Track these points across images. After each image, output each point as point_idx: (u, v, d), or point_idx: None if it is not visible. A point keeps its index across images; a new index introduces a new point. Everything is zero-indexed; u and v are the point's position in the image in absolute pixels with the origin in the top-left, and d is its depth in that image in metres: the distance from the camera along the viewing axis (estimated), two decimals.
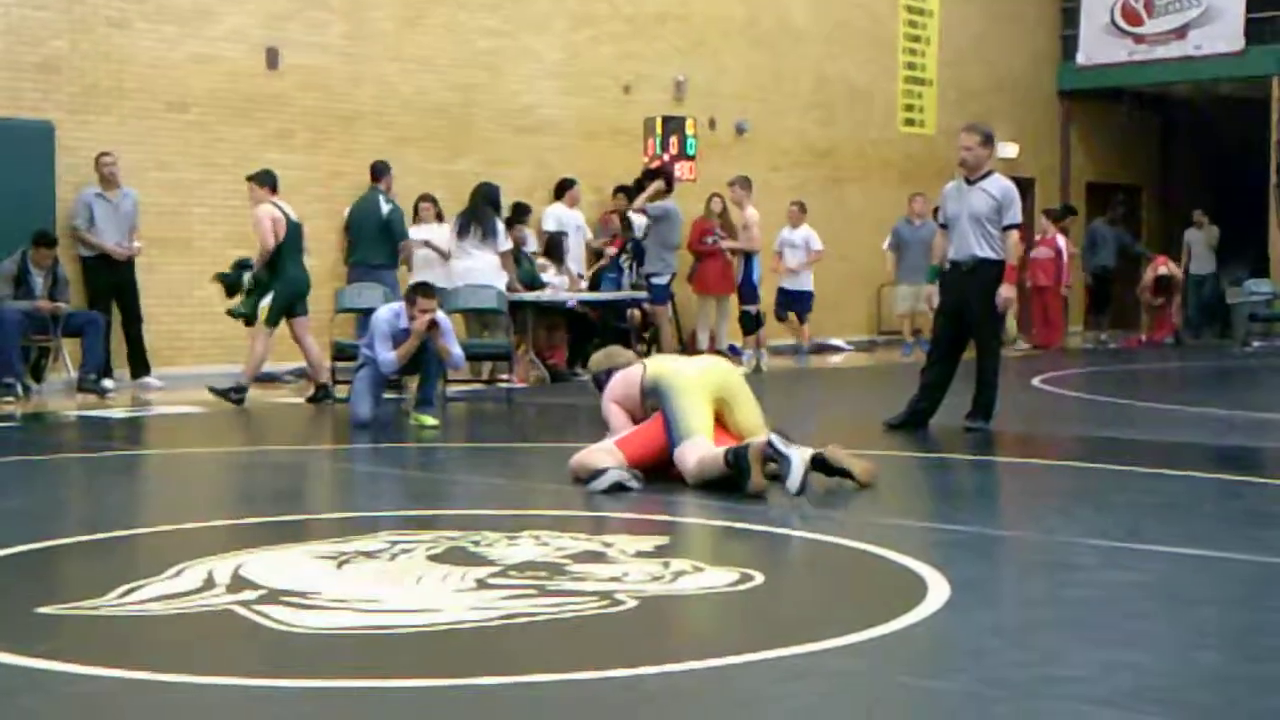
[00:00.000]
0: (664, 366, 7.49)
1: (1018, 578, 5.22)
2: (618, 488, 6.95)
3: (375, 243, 13.89)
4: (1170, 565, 5.40)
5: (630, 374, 7.56)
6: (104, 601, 4.69)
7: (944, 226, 9.94)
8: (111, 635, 4.37)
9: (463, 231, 13.40)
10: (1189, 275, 21.13)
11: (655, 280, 14.99)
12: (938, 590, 4.83)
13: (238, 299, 11.88)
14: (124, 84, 13.31)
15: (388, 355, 10.08)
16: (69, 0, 12.98)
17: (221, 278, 11.97)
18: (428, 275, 13.13)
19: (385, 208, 13.99)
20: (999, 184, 9.64)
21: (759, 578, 5.05)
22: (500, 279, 13.25)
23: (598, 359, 8.05)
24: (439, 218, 14.34)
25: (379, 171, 14.31)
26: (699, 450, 7.04)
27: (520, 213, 14.93)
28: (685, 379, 7.27)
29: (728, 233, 15.96)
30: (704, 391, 7.25)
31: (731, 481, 6.87)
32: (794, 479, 6.67)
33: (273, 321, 11.85)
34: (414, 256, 14.06)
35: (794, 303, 17.04)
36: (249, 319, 11.85)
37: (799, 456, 6.74)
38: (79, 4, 13.04)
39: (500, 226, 13.53)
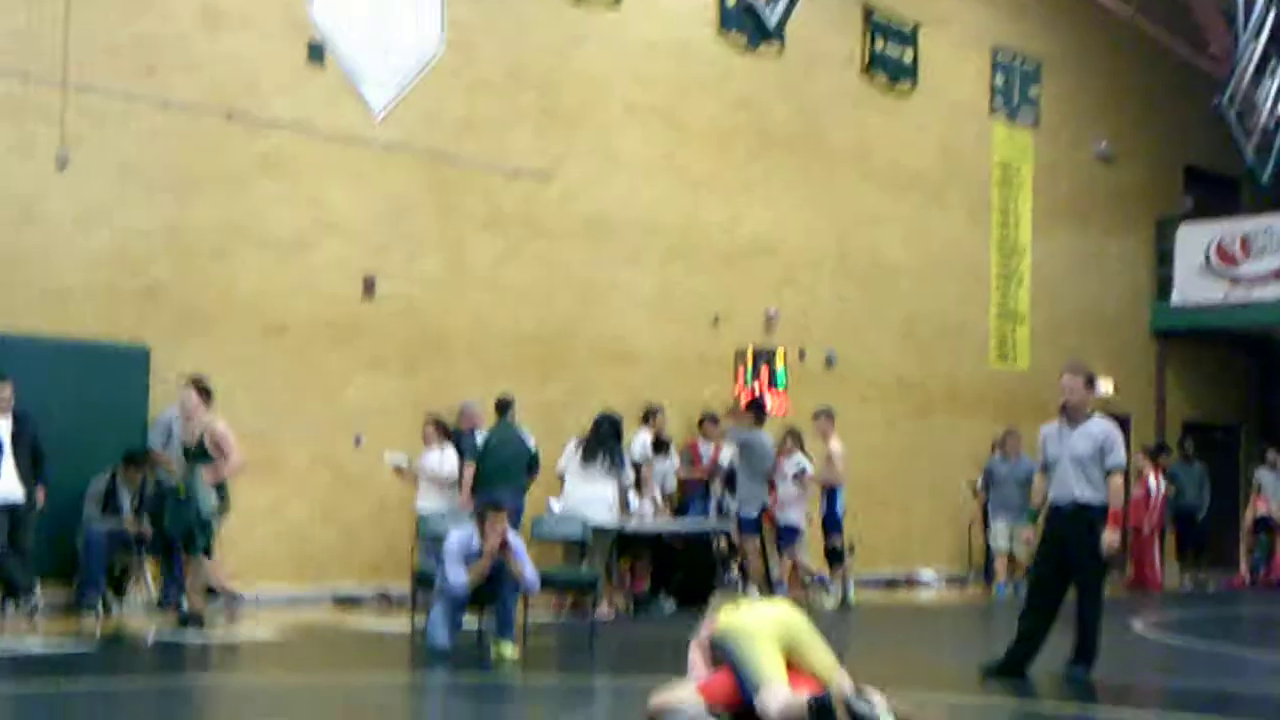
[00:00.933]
0: (732, 617, 7.29)
1: None
2: None
3: (520, 472, 13.79)
4: None
5: (708, 624, 7.44)
6: None
7: (1044, 469, 9.72)
8: None
9: (588, 458, 13.43)
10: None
11: (743, 513, 14.75)
12: None
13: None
14: (222, 310, 13.45)
15: (459, 577, 9.92)
16: (171, 229, 13.21)
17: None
18: (432, 500, 13.50)
19: (531, 440, 14.02)
20: (1101, 426, 9.45)
21: None
22: (614, 510, 13.35)
23: (716, 601, 7.84)
24: (446, 438, 13.88)
25: (506, 405, 14.20)
26: (780, 698, 6.77)
27: None
28: (751, 627, 7.11)
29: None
30: (771, 638, 7.06)
31: None
32: None
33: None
34: (420, 483, 13.77)
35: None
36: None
37: (879, 707, 6.46)
38: (181, 233, 13.26)
39: (626, 458, 13.68)
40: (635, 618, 13.49)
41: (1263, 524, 19.90)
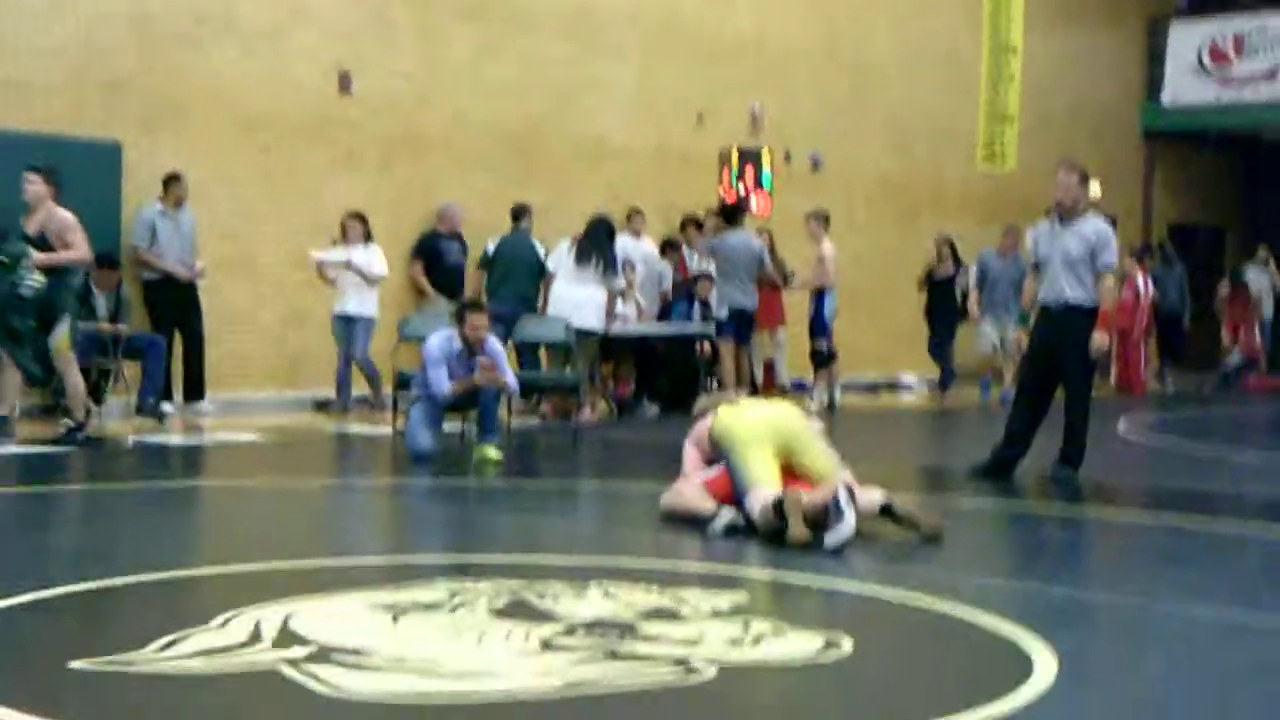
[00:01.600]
0: (728, 418, 7.25)
1: (1130, 653, 4.78)
2: (733, 529, 6.80)
3: (529, 281, 13.53)
4: None
5: (705, 421, 7.41)
6: (141, 655, 4.34)
7: (1035, 268, 9.53)
8: (145, 698, 4.02)
9: (581, 260, 13.14)
10: None
11: (717, 316, 14.48)
12: (1043, 665, 4.42)
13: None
14: (192, 103, 13.11)
15: (441, 382, 9.77)
16: (138, 19, 12.79)
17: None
18: (353, 300, 13.06)
19: (540, 249, 13.76)
20: (1095, 225, 9.24)
21: (846, 644, 4.66)
22: (600, 314, 13.10)
23: (701, 403, 7.86)
24: (367, 238, 13.22)
25: (521, 212, 14.11)
26: (759, 501, 6.78)
27: None
28: (746, 429, 7.09)
29: (776, 268, 15.56)
30: (765, 441, 7.03)
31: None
32: (833, 538, 6.37)
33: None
34: (339, 279, 13.16)
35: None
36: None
37: (850, 524, 6.44)
38: (148, 23, 12.85)
39: (619, 262, 13.37)
40: (618, 422, 13.41)
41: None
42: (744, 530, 6.74)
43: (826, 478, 6.92)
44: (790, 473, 7.04)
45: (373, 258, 13.22)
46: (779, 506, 6.58)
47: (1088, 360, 9.29)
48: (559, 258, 13.38)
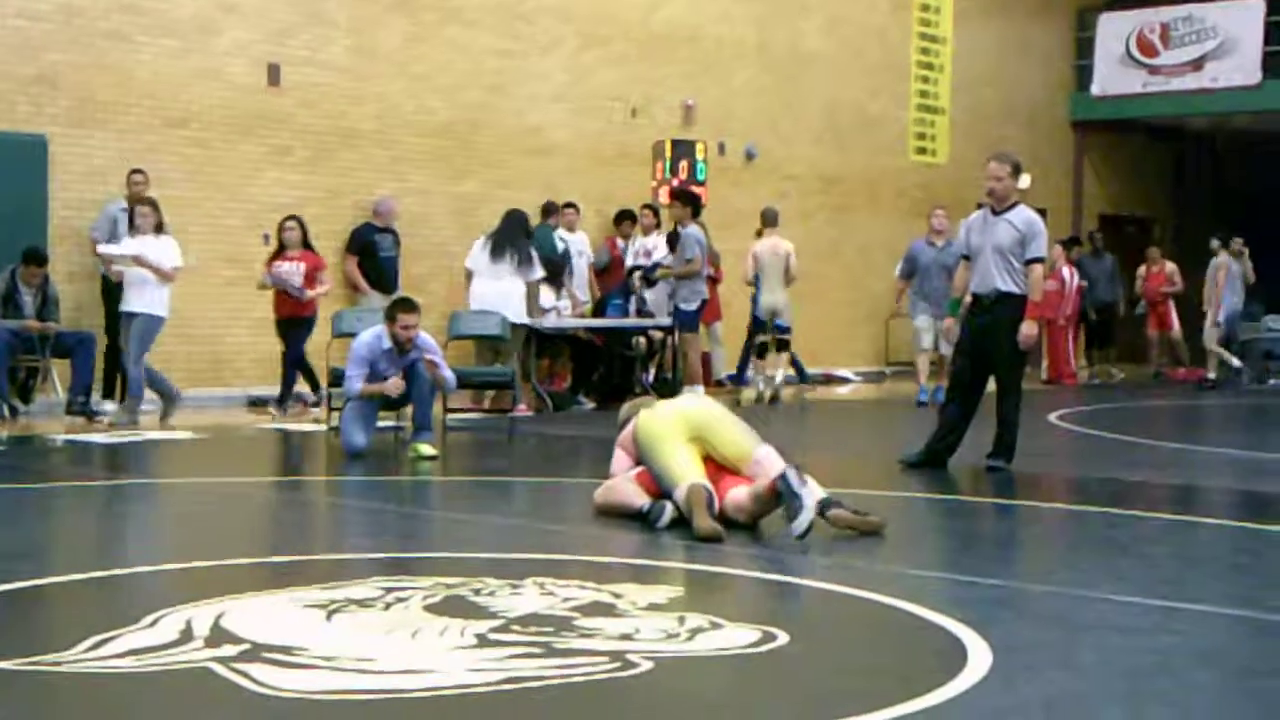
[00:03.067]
0: (646, 419, 7.20)
1: (1064, 642, 4.81)
2: (675, 523, 6.75)
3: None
4: (1223, 628, 5.02)
5: (629, 427, 7.40)
6: (69, 656, 4.28)
7: (966, 259, 9.59)
8: (72, 697, 3.97)
9: (496, 254, 13.09)
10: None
11: (681, 307, 14.38)
12: (978, 656, 4.45)
13: None
14: (121, 98, 12.96)
15: (354, 383, 9.74)
16: (66, 12, 12.64)
17: None
18: (138, 296, 11.70)
19: (560, 245, 14.58)
20: (1025, 215, 9.30)
21: (782, 637, 4.67)
22: (522, 308, 13.06)
23: (624, 410, 7.75)
24: (159, 229, 11.85)
25: (550, 209, 14.96)
26: (680, 497, 6.79)
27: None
28: (659, 427, 7.06)
29: (713, 262, 15.64)
30: (679, 433, 6.99)
31: (745, 524, 6.70)
32: (801, 522, 6.32)
33: None
34: (126, 274, 11.83)
35: None
36: None
37: (811, 500, 6.42)
38: (76, 16, 12.69)
39: (535, 254, 13.29)
40: (554, 417, 13.38)
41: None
42: (687, 523, 6.72)
43: (744, 459, 6.91)
44: (712, 462, 6.99)
45: (165, 250, 11.81)
46: (684, 502, 6.62)
47: (1019, 350, 9.35)
48: (475, 255, 13.32)
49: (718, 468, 6.98)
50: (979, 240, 9.37)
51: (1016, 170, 9.43)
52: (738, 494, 6.77)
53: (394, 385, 9.72)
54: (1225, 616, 5.16)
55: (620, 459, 7.44)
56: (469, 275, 13.41)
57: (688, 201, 14.44)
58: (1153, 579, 5.88)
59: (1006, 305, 9.22)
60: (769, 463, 6.83)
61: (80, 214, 12.72)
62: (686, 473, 6.81)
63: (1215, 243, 19.14)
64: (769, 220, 15.52)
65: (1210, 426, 14.72)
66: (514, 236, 13.21)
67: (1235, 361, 18.95)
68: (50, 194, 12.50)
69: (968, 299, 9.57)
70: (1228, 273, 19.01)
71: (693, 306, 14.29)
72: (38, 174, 12.41)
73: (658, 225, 15.55)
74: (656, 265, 14.77)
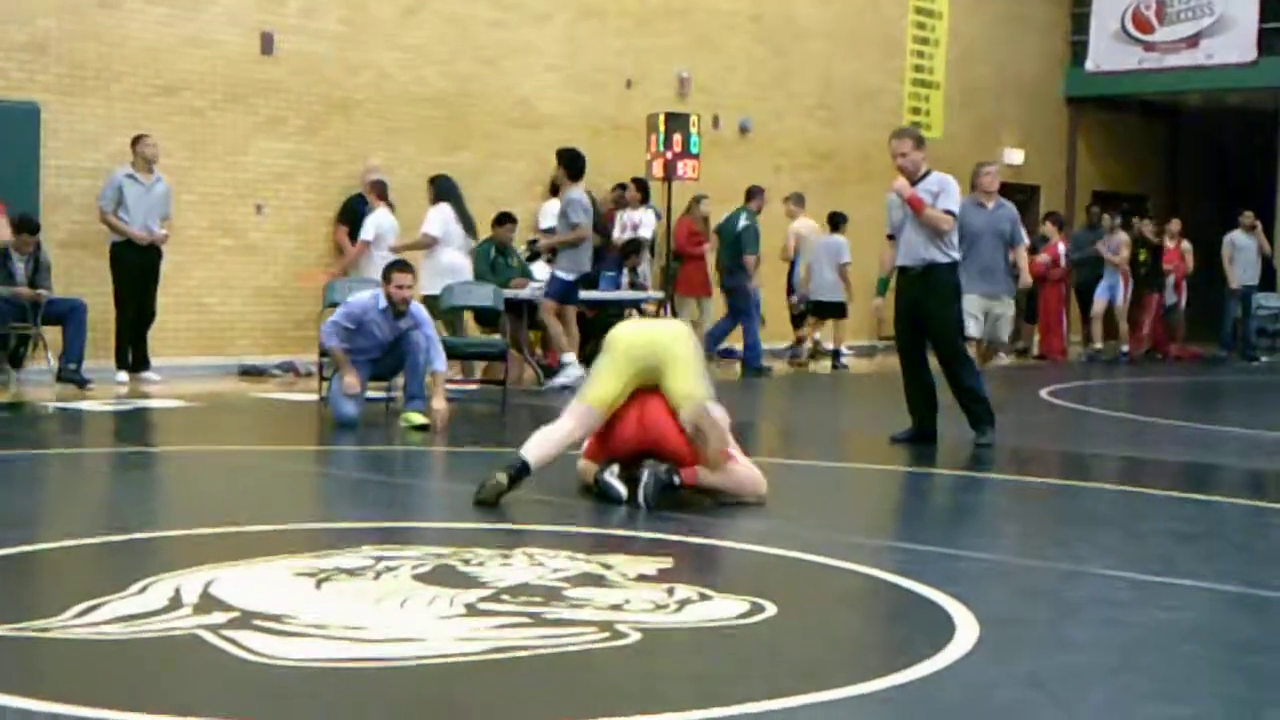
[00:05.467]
0: (619, 329, 7.31)
1: (1053, 616, 4.81)
2: (666, 487, 6.67)
3: (731, 254, 15.36)
4: (1214, 604, 5.02)
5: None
6: (56, 622, 4.28)
7: (891, 237, 9.61)
8: (60, 663, 3.96)
9: (467, 226, 13.07)
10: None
11: (560, 274, 13.35)
12: (966, 629, 4.45)
13: None
14: (113, 66, 12.91)
15: (331, 339, 9.77)
16: None
17: None
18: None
19: (741, 224, 15.28)
20: (937, 178, 9.38)
21: (770, 609, 4.67)
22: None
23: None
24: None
25: (752, 193, 15.75)
26: (563, 420, 6.93)
27: (506, 220, 14.16)
28: (616, 339, 7.07)
29: (706, 236, 15.79)
30: (625, 358, 6.89)
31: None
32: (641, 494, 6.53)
33: None
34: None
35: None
36: None
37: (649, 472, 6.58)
38: None
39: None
40: (546, 388, 13.35)
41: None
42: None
43: (680, 403, 6.76)
44: (645, 394, 6.88)
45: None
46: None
47: (954, 318, 9.38)
48: (446, 226, 13.07)
49: (646, 396, 6.87)
50: (900, 215, 9.42)
51: (920, 143, 9.51)
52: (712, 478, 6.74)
53: (350, 385, 9.67)
54: (1217, 592, 5.17)
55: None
56: (430, 244, 13.09)
57: (563, 163, 13.29)
58: (1144, 555, 5.89)
59: (935, 275, 9.25)
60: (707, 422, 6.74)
61: (72, 181, 12.68)
62: (598, 397, 6.84)
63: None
64: (799, 201, 16.86)
65: (1205, 403, 14.73)
66: (465, 206, 13.15)
67: None
68: (42, 161, 12.45)
69: (894, 274, 9.59)
70: (1233, 248, 19.17)
71: (569, 277, 13.13)
72: (30, 141, 12.35)
73: (644, 200, 15.63)
74: (551, 231, 14.01)
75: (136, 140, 12.48)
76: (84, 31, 12.72)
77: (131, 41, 13.00)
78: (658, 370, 6.87)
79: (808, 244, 17.23)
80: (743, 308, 15.51)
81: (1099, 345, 19.21)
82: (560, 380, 12.60)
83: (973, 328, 11.32)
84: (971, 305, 11.09)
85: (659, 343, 7.01)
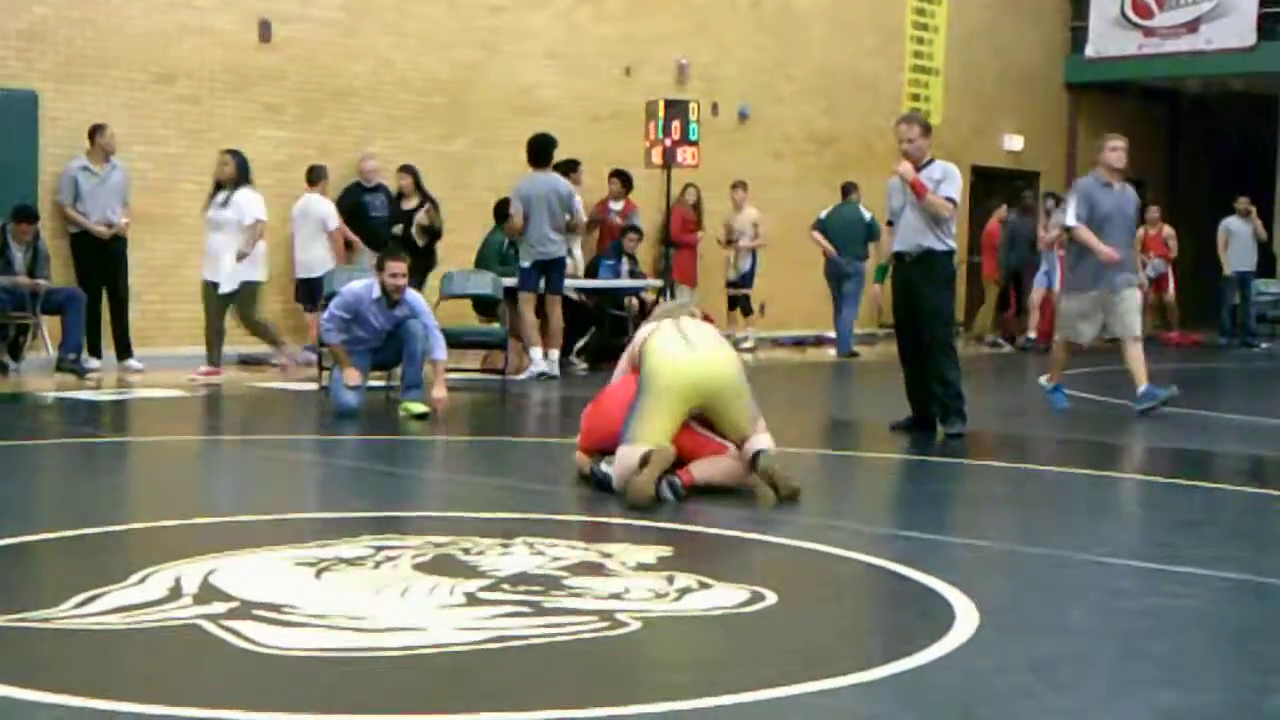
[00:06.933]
0: (660, 347, 6.71)
1: (1053, 603, 4.81)
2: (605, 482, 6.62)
3: (858, 244, 16.18)
4: (1216, 591, 5.01)
5: (645, 330, 7.00)
6: (57, 612, 4.28)
7: (890, 223, 9.59)
8: (60, 654, 3.95)
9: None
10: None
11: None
12: (966, 617, 4.45)
13: None
14: (111, 53, 12.88)
15: (330, 334, 9.77)
16: None
17: None
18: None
19: (866, 214, 15.97)
20: (941, 166, 9.35)
21: (770, 597, 4.67)
22: None
23: (661, 308, 7.44)
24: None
25: (850, 189, 16.44)
26: (623, 461, 6.49)
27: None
28: (669, 375, 6.60)
29: (698, 224, 15.84)
30: (682, 394, 6.59)
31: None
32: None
33: None
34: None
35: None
36: None
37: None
38: None
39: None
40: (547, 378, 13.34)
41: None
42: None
43: (737, 434, 6.66)
44: (690, 432, 6.70)
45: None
46: (645, 457, 6.35)
47: (947, 306, 9.37)
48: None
49: (691, 434, 6.72)
50: (900, 200, 9.40)
51: (927, 130, 9.48)
52: (706, 469, 6.70)
53: (351, 377, 9.67)
54: (1219, 579, 5.16)
55: (623, 365, 7.13)
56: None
57: (528, 147, 13.21)
58: (1145, 542, 5.89)
59: (930, 261, 9.24)
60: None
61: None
62: (654, 436, 6.49)
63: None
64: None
65: (1203, 390, 14.69)
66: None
67: None
68: (40, 149, 12.43)
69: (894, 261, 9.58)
70: (1229, 234, 19.12)
71: (524, 264, 12.92)
72: (28, 130, 12.34)
73: (626, 191, 15.68)
74: None
75: (95, 131, 12.41)
76: (82, 19, 12.70)
77: (129, 29, 12.97)
78: (712, 408, 6.71)
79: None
80: (856, 295, 16.21)
81: (1032, 334, 18.78)
82: (535, 369, 12.59)
83: (1085, 332, 10.74)
84: (1085, 305, 10.61)
85: (715, 379, 6.69)
